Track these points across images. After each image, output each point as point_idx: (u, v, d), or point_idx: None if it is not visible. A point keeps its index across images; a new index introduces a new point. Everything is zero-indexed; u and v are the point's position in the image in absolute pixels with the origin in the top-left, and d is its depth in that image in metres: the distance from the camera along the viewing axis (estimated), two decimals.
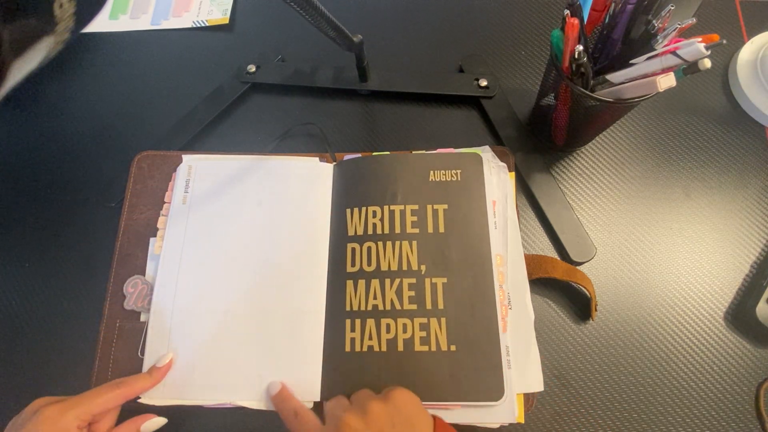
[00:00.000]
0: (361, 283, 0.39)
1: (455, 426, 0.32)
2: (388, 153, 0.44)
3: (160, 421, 0.36)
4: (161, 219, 0.43)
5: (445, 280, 0.38)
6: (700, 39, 0.30)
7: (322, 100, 0.50)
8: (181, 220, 0.42)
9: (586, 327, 0.41)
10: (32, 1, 0.20)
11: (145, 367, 0.38)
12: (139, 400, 0.37)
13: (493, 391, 0.35)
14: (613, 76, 0.36)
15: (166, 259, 0.41)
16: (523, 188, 0.45)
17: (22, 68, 0.21)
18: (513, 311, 0.39)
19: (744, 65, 0.48)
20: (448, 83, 0.48)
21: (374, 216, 0.40)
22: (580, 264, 0.43)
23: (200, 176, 0.44)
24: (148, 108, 0.50)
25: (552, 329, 0.41)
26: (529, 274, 0.40)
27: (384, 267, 0.39)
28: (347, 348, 0.37)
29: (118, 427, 0.35)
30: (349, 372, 0.37)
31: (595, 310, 0.40)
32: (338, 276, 0.40)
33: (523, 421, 0.36)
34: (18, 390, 0.41)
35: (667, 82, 0.31)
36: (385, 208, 0.41)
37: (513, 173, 0.44)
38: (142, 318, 0.40)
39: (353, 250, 0.40)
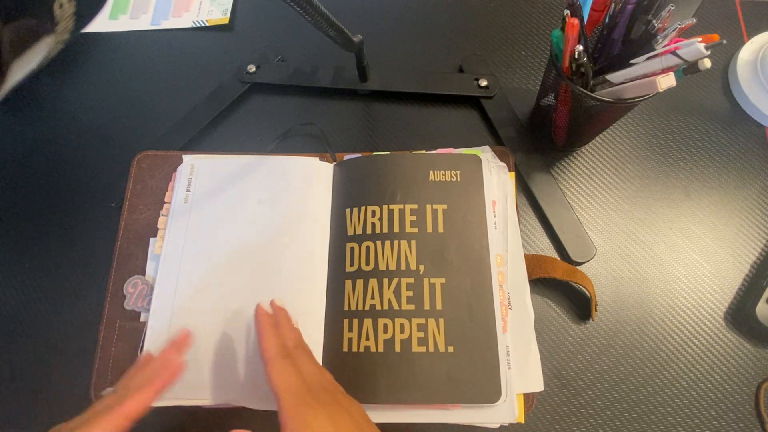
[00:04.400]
0: (359, 282, 0.39)
1: (455, 426, 0.32)
2: (387, 153, 0.44)
3: None
4: (161, 219, 0.43)
5: (443, 280, 0.38)
6: (700, 39, 0.30)
7: (322, 100, 0.50)
8: (182, 219, 0.42)
9: (586, 327, 0.41)
10: (32, 1, 0.20)
11: None
12: None
13: (491, 392, 0.35)
14: (613, 76, 0.36)
15: (166, 259, 0.41)
16: (523, 188, 0.45)
17: (22, 68, 0.21)
18: (513, 311, 0.39)
19: (744, 65, 0.48)
20: (448, 83, 0.48)
21: (373, 215, 0.40)
22: (580, 264, 0.43)
23: (202, 175, 0.44)
24: (148, 108, 0.50)
25: (552, 329, 0.41)
26: (529, 274, 0.40)
27: (382, 267, 0.39)
28: (345, 348, 0.37)
29: None
30: (347, 373, 0.37)
31: (595, 310, 0.40)
32: (337, 276, 0.40)
33: (523, 421, 0.36)
34: (18, 390, 0.41)
35: (667, 82, 0.31)
36: (384, 207, 0.40)
37: (513, 173, 0.44)
38: (142, 318, 0.40)
39: (352, 249, 0.40)
